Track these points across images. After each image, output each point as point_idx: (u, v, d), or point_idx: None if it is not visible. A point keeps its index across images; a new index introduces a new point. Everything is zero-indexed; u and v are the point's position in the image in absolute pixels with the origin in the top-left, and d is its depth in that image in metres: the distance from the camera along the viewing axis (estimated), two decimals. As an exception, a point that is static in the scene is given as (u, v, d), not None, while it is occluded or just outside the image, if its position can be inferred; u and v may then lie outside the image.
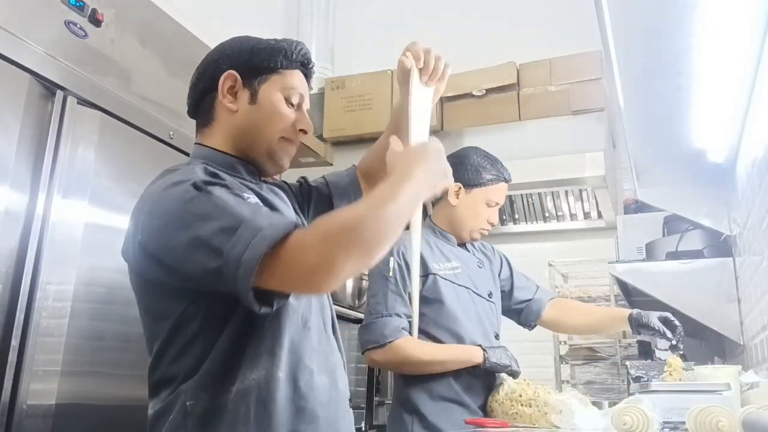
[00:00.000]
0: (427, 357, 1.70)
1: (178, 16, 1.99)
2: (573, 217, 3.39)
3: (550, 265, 3.17)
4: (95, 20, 1.65)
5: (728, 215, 2.27)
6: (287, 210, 1.22)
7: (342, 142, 3.36)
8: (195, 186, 0.99)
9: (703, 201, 2.31)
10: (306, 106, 1.22)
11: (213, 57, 1.21)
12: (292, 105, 1.19)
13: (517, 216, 3.47)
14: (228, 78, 1.16)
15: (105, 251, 1.59)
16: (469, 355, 1.69)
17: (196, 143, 1.21)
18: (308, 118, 1.22)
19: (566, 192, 3.21)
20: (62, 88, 1.54)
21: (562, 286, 3.20)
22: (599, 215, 3.32)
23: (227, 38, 1.24)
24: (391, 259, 1.75)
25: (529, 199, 3.34)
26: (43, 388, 1.42)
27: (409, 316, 1.68)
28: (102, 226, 1.61)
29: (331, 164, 3.34)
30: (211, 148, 1.18)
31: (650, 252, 2.45)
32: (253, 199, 1.07)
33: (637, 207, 2.74)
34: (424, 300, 1.72)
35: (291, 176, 3.61)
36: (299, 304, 1.11)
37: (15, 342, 1.37)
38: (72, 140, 1.54)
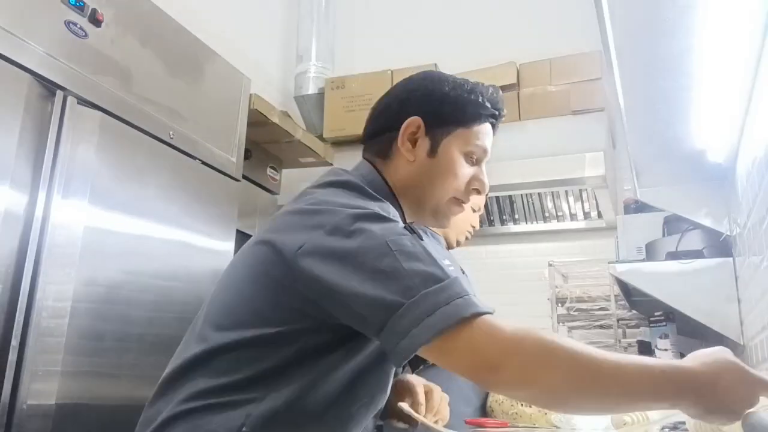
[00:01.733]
0: None
1: (178, 16, 1.99)
2: (573, 217, 3.39)
3: (550, 265, 3.16)
4: (95, 20, 1.65)
5: (728, 215, 2.26)
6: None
7: (342, 142, 3.35)
8: (398, 230, 0.91)
9: (703, 201, 2.30)
10: (487, 159, 1.15)
11: (401, 95, 1.15)
12: (473, 161, 1.13)
13: (517, 216, 3.46)
14: (411, 124, 1.10)
15: (105, 251, 1.59)
16: None
17: (367, 160, 1.14)
18: (484, 177, 1.14)
19: (566, 192, 3.21)
20: (62, 88, 1.54)
21: (562, 286, 3.19)
22: (599, 215, 3.31)
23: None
24: None
25: (529, 199, 3.34)
26: (43, 388, 1.42)
27: None
28: (102, 226, 1.61)
29: (331, 164, 3.34)
30: (380, 174, 1.11)
31: (650, 252, 2.45)
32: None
33: (637, 207, 2.74)
34: None
35: (291, 176, 3.60)
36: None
37: (15, 342, 1.37)
38: (72, 140, 1.54)
